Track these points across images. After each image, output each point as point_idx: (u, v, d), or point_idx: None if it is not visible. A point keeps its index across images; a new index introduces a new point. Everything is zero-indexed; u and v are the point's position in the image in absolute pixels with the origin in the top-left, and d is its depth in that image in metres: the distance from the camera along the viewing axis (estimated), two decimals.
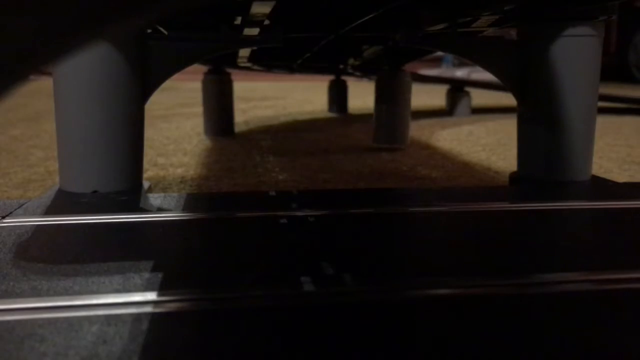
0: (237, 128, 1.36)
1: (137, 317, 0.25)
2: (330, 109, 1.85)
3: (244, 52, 0.94)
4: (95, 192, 0.50)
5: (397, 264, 0.34)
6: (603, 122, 1.26)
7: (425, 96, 2.14)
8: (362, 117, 1.65)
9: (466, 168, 0.88)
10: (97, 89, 0.50)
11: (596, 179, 0.58)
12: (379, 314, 0.26)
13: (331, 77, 1.83)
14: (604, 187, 0.55)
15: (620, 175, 0.83)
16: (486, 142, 1.17)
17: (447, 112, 1.77)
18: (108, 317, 0.25)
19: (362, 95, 2.02)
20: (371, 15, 0.60)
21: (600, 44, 0.56)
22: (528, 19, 0.57)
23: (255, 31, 0.57)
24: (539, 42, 0.56)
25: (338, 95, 1.84)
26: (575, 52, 0.55)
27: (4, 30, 0.10)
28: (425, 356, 0.22)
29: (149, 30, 0.55)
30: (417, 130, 1.31)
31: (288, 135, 1.30)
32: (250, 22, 0.54)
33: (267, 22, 0.55)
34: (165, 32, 0.56)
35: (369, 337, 0.23)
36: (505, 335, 0.24)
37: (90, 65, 0.49)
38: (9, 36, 0.10)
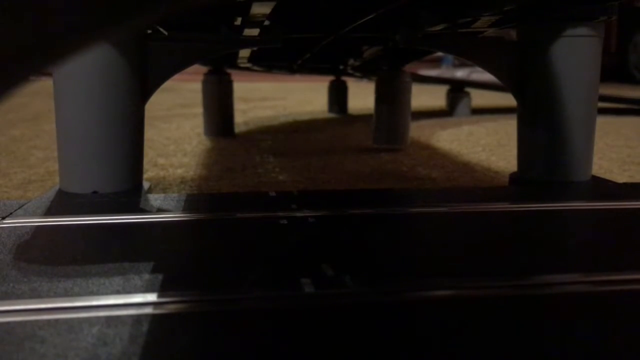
0: (237, 128, 1.36)
1: (137, 318, 0.25)
2: (330, 109, 1.85)
3: (244, 53, 0.94)
4: (95, 192, 0.50)
5: (398, 265, 0.34)
6: (603, 123, 1.26)
7: (426, 96, 2.14)
8: (362, 118, 1.65)
9: (466, 168, 0.88)
10: (97, 89, 0.50)
11: (596, 180, 0.58)
12: (380, 316, 0.26)
13: (331, 78, 1.83)
14: (604, 188, 0.55)
15: (620, 175, 0.83)
16: (486, 142, 1.17)
17: (447, 112, 1.77)
18: (108, 319, 0.25)
19: (362, 96, 2.02)
20: (371, 16, 0.60)
21: (601, 45, 0.56)
22: (528, 20, 0.57)
23: (255, 32, 0.57)
24: (538, 42, 0.56)
25: (338, 95, 1.84)
26: (575, 52, 0.55)
27: (5, 30, 0.10)
28: (427, 358, 0.22)
29: (149, 31, 0.55)
30: (417, 130, 1.31)
31: (288, 136, 1.30)
32: (250, 22, 0.54)
33: (267, 22, 0.55)
34: (165, 33, 0.56)
35: (370, 339, 0.23)
36: (507, 337, 0.24)
37: (90, 66, 0.49)
38: (10, 36, 0.10)
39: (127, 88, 0.51)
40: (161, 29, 0.56)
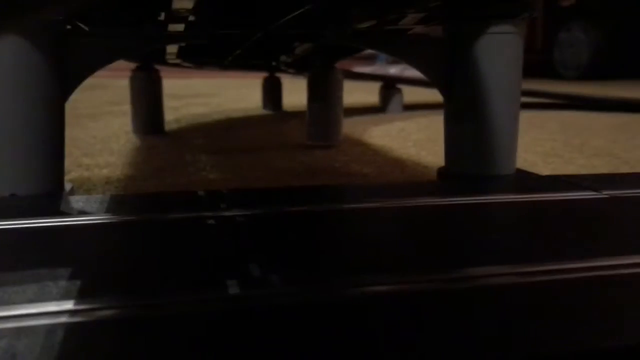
0: (168, 126, 1.34)
1: (51, 328, 0.24)
2: (265, 106, 1.84)
3: (172, 49, 0.92)
4: (13, 195, 0.48)
5: (329, 262, 0.33)
6: (529, 117, 1.31)
7: (359, 93, 2.16)
8: (296, 115, 1.65)
9: (397, 164, 0.89)
10: (12, 89, 0.47)
11: (520, 173, 0.59)
12: (307, 315, 0.26)
13: (265, 74, 1.81)
14: (528, 180, 0.57)
15: (544, 168, 0.86)
16: (417, 138, 1.19)
17: (380, 109, 1.79)
18: (19, 330, 0.24)
19: (297, 92, 2.02)
20: (298, 12, 0.59)
21: (522, 41, 0.57)
22: (452, 18, 0.58)
23: (180, 27, 0.56)
24: (463, 39, 0.57)
25: (272, 92, 1.83)
26: (498, 49, 0.56)
27: None
28: (357, 356, 0.22)
29: (68, 27, 0.53)
30: (350, 127, 1.32)
31: (221, 133, 1.28)
32: (174, 17, 0.53)
33: (191, 18, 0.54)
34: (86, 28, 0.54)
35: (296, 340, 0.23)
36: (440, 331, 0.24)
37: (4, 66, 0.47)
38: None
39: (45, 86, 0.48)
40: (81, 25, 0.54)
